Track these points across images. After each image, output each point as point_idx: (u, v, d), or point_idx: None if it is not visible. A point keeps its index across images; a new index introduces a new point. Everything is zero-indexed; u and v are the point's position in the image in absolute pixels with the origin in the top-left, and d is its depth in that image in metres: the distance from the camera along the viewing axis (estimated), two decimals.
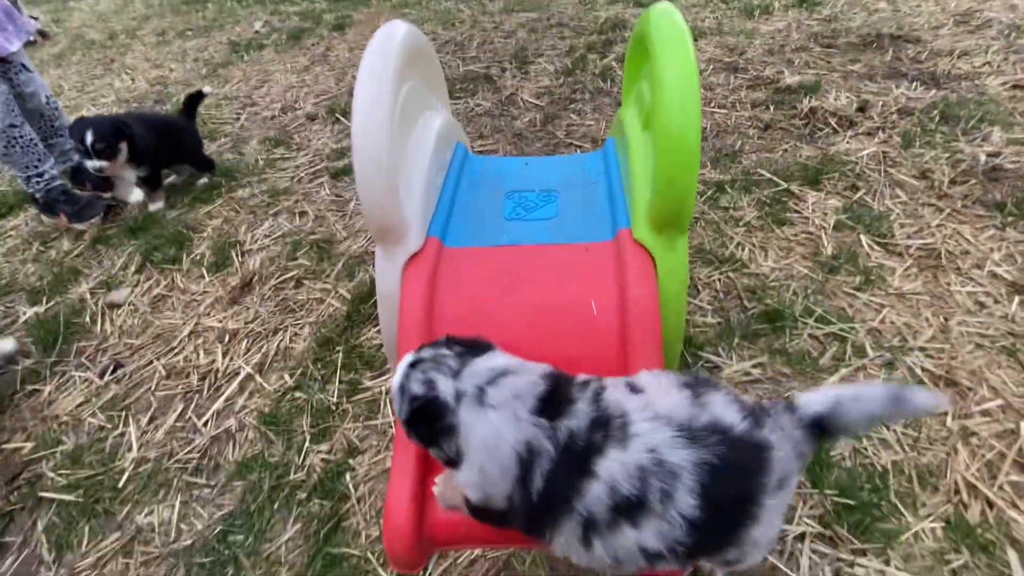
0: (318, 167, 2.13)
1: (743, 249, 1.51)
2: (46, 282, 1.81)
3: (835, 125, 1.94)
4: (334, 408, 1.27)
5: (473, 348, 0.75)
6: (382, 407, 1.25)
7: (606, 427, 0.65)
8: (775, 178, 1.72)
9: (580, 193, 1.26)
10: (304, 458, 1.19)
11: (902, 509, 0.98)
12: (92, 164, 1.78)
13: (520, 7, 3.37)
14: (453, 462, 0.70)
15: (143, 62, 3.68)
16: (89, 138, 1.74)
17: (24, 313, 1.70)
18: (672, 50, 0.91)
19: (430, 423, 0.69)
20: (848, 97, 2.04)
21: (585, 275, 1.03)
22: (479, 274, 1.07)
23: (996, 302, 1.29)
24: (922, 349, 1.22)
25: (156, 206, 2.03)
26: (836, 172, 1.72)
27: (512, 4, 3.44)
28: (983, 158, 1.65)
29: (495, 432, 0.66)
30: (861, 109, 1.99)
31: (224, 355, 1.45)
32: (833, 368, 1.20)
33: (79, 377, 1.48)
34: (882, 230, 1.50)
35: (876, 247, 1.47)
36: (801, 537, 0.96)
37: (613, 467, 0.62)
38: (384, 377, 1.31)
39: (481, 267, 1.08)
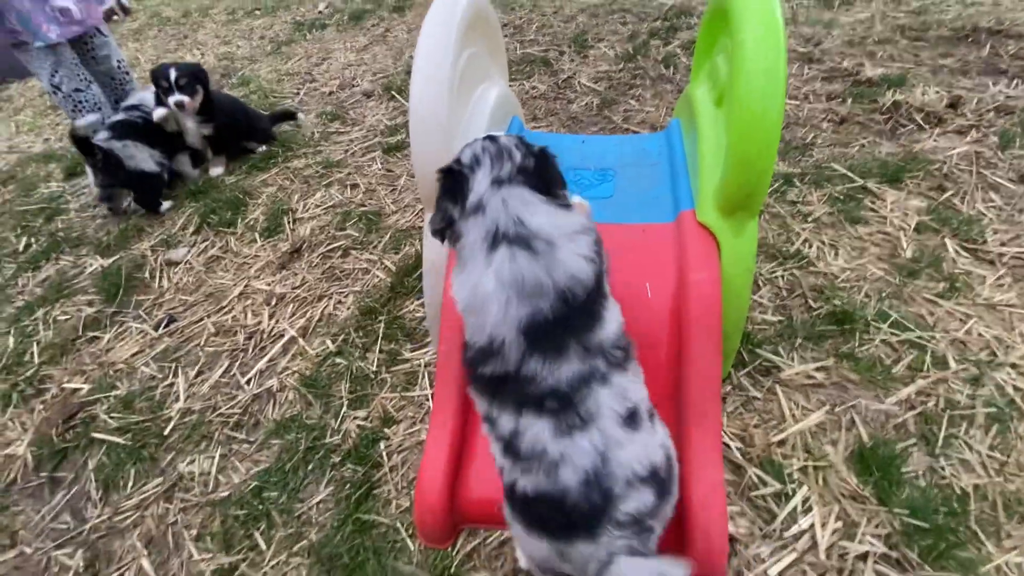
0: (371, 142, 2.14)
1: (810, 246, 1.40)
2: (112, 237, 1.90)
3: (921, 121, 1.78)
4: (373, 376, 1.26)
5: (544, 181, 0.69)
6: (420, 379, 1.24)
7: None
8: (850, 174, 1.59)
9: (638, 173, 1.20)
10: (341, 423, 1.19)
11: (983, 538, 0.88)
12: (174, 98, 1.85)
13: None
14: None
15: (213, 39, 3.83)
16: (173, 74, 1.83)
17: (91, 265, 1.79)
18: (757, 12, 0.84)
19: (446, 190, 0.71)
20: (938, 92, 1.87)
21: (641, 256, 0.97)
22: None
23: None
24: (1014, 366, 1.09)
25: (217, 171, 2.09)
26: (920, 171, 1.57)
27: None
28: None
29: (480, 294, 0.63)
30: (952, 106, 1.82)
31: (270, 317, 1.48)
32: (908, 379, 1.09)
33: (136, 328, 1.54)
34: (972, 235, 1.36)
35: (964, 253, 1.33)
36: (864, 557, 0.87)
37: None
38: (423, 349, 1.30)
39: None
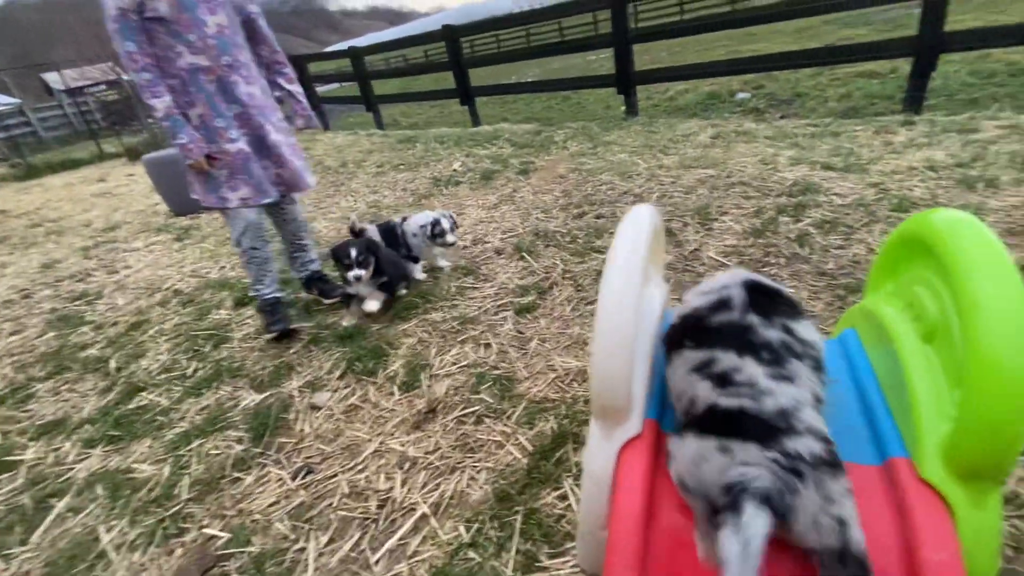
0: (503, 301, 2.26)
1: None
2: (267, 372, 2.08)
3: None
4: None
5: None
6: None
7: None
8: None
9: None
10: None
11: None
12: (353, 273, 2.14)
13: (696, 163, 3.50)
14: None
15: (363, 187, 4.50)
16: (353, 253, 2.14)
17: (245, 399, 1.95)
18: (989, 274, 0.79)
19: None
20: None
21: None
22: None
23: None
24: None
25: (372, 305, 2.28)
26: None
27: (687, 160, 3.59)
28: None
29: None
30: None
31: (402, 484, 1.47)
32: None
33: (275, 474, 1.60)
34: None
35: None
36: None
37: None
38: (563, 558, 1.19)
39: None
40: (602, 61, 12.73)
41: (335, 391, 1.89)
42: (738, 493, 0.67)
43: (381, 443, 1.62)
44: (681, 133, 4.27)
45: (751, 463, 0.69)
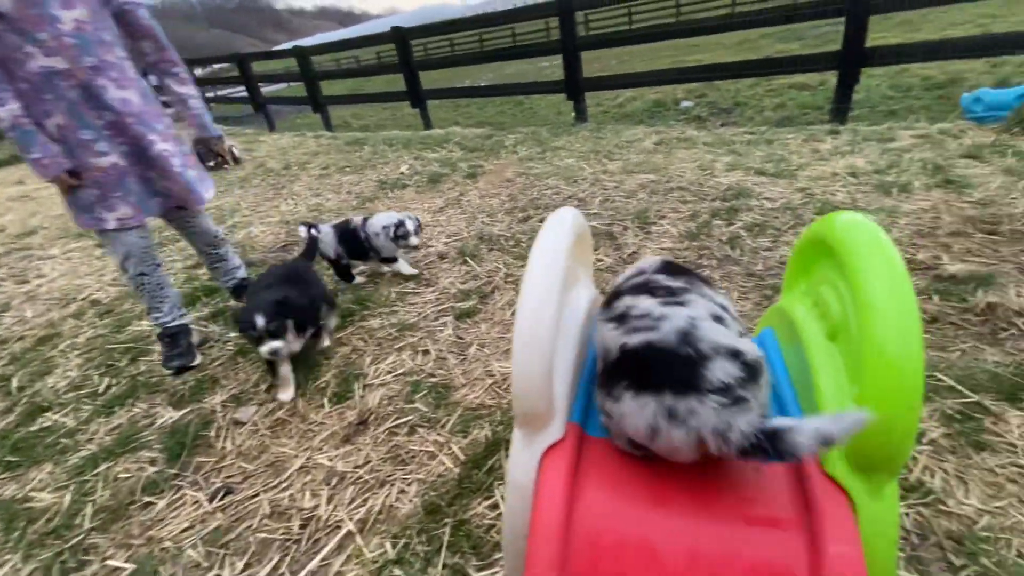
0: (444, 306, 2.21)
1: (933, 475, 1.24)
2: (188, 387, 1.94)
3: (1022, 327, 1.68)
4: None
5: None
6: None
7: None
8: (959, 387, 1.47)
9: None
10: None
11: None
12: (268, 348, 1.68)
13: (639, 169, 3.57)
14: None
15: (306, 190, 4.34)
16: (261, 321, 1.65)
17: (162, 416, 1.81)
18: (882, 274, 0.82)
19: None
20: None
21: (757, 505, 0.86)
22: (626, 474, 0.95)
23: None
24: None
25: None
26: None
27: (630, 166, 3.67)
28: None
29: None
30: None
31: (329, 501, 1.40)
32: None
33: (191, 496, 1.49)
34: None
35: None
36: None
37: None
38: (492, 570, 1.16)
39: (627, 467, 0.96)
40: (555, 67, 12.90)
41: (261, 404, 1.79)
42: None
43: (308, 458, 1.54)
44: (627, 139, 4.35)
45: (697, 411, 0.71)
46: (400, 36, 6.28)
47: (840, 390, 0.90)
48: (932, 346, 1.66)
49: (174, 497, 1.50)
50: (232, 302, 2.46)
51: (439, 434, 1.54)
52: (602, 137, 4.55)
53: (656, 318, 0.78)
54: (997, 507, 1.16)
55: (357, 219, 2.48)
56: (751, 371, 0.73)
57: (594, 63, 12.23)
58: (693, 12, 16.39)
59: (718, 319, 0.79)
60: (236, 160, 2.84)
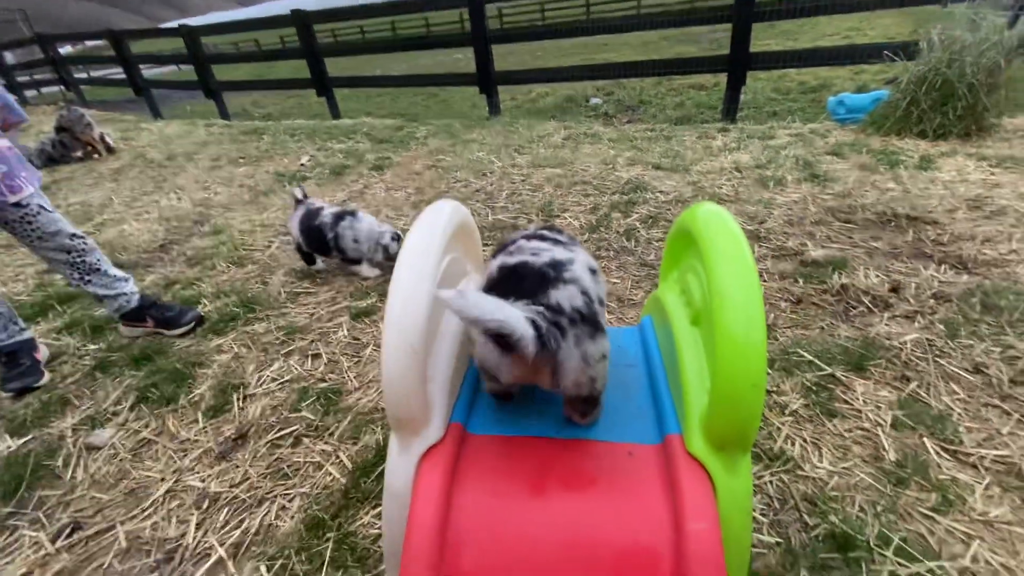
0: (339, 306, 2.09)
1: (793, 443, 1.36)
2: (31, 410, 1.68)
3: (869, 305, 1.90)
4: None
5: None
6: None
7: None
8: (817, 360, 1.62)
9: (615, 375, 1.16)
10: None
11: None
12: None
13: (546, 163, 3.62)
14: None
15: (192, 184, 3.94)
16: None
17: None
18: (731, 263, 0.87)
19: None
20: (878, 276, 2.03)
21: (629, 492, 0.89)
22: (505, 469, 0.93)
23: None
24: None
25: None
26: (881, 359, 1.62)
27: (539, 160, 3.71)
28: None
29: None
30: (895, 290, 1.96)
31: (198, 527, 1.26)
32: None
33: (29, 538, 1.28)
34: (947, 434, 1.36)
35: (944, 455, 1.31)
36: None
37: None
38: None
39: (507, 461, 0.95)
40: (469, 60, 12.82)
41: (123, 424, 1.59)
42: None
43: (176, 481, 1.39)
44: (538, 134, 4.40)
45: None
46: (301, 20, 5.89)
47: (701, 372, 0.95)
48: (797, 325, 1.83)
49: (8, 540, 1.28)
50: (101, 310, 2.16)
51: (327, 443, 1.45)
52: (514, 131, 4.56)
53: (541, 251, 0.86)
54: (844, 468, 1.29)
55: (325, 215, 2.26)
56: (592, 323, 0.80)
57: (509, 57, 12.29)
58: (602, 12, 16.99)
59: (593, 272, 0.88)
60: (109, 149, 2.49)
